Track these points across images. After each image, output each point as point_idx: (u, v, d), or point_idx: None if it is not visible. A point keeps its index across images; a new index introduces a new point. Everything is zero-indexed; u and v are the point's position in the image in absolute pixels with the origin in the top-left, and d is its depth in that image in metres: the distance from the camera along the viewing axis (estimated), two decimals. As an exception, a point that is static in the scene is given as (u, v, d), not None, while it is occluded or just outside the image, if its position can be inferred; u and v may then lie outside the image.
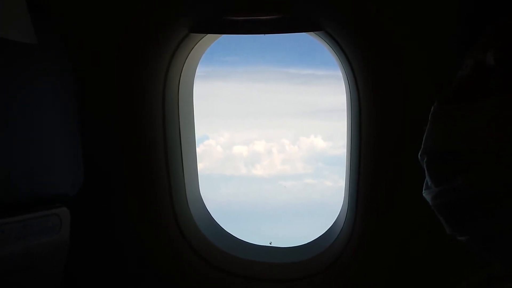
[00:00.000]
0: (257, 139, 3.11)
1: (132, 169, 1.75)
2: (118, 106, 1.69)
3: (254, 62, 2.52)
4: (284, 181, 3.14)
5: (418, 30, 1.44)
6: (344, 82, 1.74)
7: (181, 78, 1.76)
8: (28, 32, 1.28)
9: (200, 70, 1.85)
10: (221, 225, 1.97)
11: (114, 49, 1.62)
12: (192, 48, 1.74)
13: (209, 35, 1.71)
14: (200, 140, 2.72)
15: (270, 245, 1.93)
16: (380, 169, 1.60)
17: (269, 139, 3.13)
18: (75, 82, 1.51)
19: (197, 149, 1.97)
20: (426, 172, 0.70)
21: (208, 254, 1.84)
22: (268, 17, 1.52)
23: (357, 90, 1.58)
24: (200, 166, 1.98)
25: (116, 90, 1.67)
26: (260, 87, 2.69)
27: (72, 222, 1.45)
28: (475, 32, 0.71)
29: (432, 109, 0.70)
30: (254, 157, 3.08)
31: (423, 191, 0.71)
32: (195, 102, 1.90)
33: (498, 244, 0.65)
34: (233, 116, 2.79)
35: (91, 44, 1.62)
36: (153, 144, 1.73)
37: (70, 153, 1.46)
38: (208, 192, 2.05)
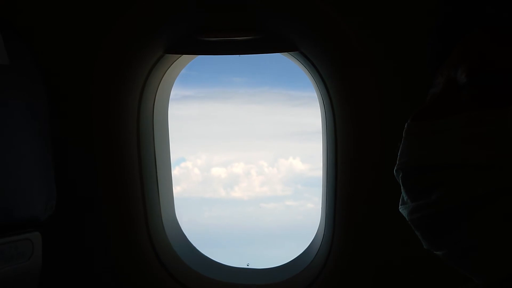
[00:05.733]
0: (235, 160, 3.10)
1: (106, 193, 1.72)
2: (92, 128, 1.67)
3: (258, 83, 2.51)
4: (265, 203, 3.13)
5: (393, 51, 1.46)
6: (319, 103, 1.75)
7: (156, 99, 1.75)
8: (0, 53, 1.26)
9: (199, 91, 1.83)
10: (201, 248, 1.95)
11: (89, 69, 1.60)
12: (167, 69, 1.74)
13: (184, 56, 1.72)
14: (177, 162, 2.70)
15: (248, 267, 1.91)
16: (356, 188, 1.61)
17: (248, 161, 3.12)
18: (47, 103, 1.49)
19: (174, 171, 1.95)
20: (402, 187, 0.71)
21: (185, 278, 1.81)
22: (242, 37, 1.53)
23: (332, 111, 1.59)
24: (178, 188, 1.96)
25: (90, 111, 1.65)
26: (255, 109, 2.68)
27: (44, 247, 1.41)
28: (447, 48, 0.72)
29: (405, 126, 0.71)
30: (233, 179, 3.07)
31: (400, 206, 0.72)
32: (172, 124, 1.90)
33: (473, 257, 0.65)
34: (211, 137, 2.78)
35: (65, 65, 1.60)
36: (128, 167, 1.71)
37: (42, 176, 1.43)
38: (187, 215, 2.02)
